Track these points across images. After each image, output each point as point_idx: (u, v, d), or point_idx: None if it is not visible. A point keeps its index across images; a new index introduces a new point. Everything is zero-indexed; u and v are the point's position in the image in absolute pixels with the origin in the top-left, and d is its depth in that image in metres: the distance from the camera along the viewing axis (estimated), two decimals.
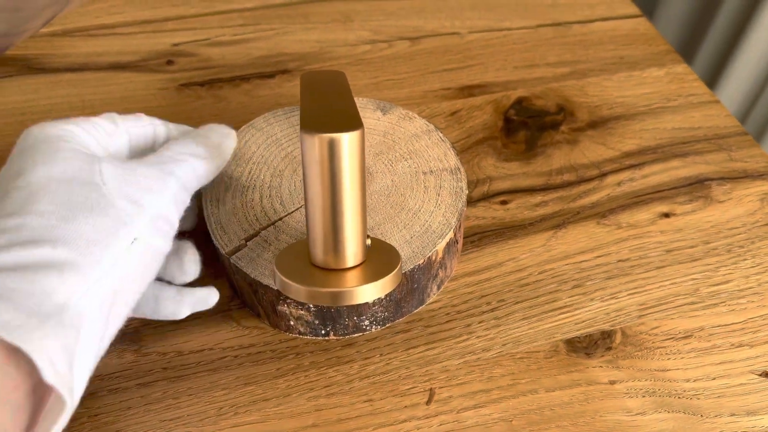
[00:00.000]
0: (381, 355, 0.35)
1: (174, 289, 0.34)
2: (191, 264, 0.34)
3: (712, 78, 0.90)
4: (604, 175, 0.44)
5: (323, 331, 0.35)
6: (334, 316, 0.34)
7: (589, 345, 0.36)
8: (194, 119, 0.47)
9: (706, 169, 0.45)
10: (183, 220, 0.36)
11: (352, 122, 0.28)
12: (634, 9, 0.57)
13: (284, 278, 0.29)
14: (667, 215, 0.42)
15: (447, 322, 0.37)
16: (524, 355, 0.35)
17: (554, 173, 0.44)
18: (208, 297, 0.34)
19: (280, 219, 0.35)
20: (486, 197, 0.43)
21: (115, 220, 0.28)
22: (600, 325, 0.37)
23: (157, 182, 0.30)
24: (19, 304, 0.24)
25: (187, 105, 0.48)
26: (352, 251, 0.29)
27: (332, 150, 0.27)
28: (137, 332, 0.36)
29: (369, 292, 0.28)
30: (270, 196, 0.36)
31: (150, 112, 0.47)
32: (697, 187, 0.44)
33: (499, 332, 0.36)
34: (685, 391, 0.34)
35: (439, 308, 0.37)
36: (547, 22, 0.55)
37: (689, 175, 0.44)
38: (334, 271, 0.30)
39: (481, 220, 0.41)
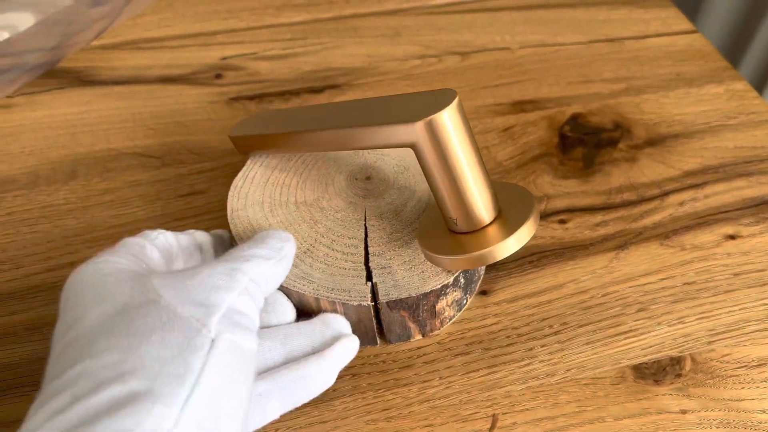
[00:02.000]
0: (440, 378, 0.34)
1: (313, 359, 0.31)
2: (353, 341, 0.32)
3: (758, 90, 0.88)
4: (665, 194, 0.43)
5: (465, 302, 0.37)
6: (472, 277, 0.35)
7: (657, 371, 0.34)
8: None
9: None
10: (281, 313, 0.33)
11: (443, 95, 0.28)
12: (689, 25, 0.56)
13: (447, 257, 0.30)
14: (732, 237, 0.40)
15: (508, 345, 0.35)
16: (590, 381, 0.34)
17: (614, 192, 0.43)
18: (350, 346, 0.32)
19: (364, 243, 0.34)
20: (544, 216, 0.41)
21: (184, 330, 0.24)
22: (668, 350, 0.35)
23: (223, 278, 0.27)
24: None
25: (238, 119, 0.48)
26: (488, 208, 0.30)
27: (439, 128, 0.28)
28: None
29: (518, 239, 0.29)
30: (324, 240, 0.34)
31: (201, 125, 0.47)
32: (763, 208, 0.42)
33: (563, 357, 0.35)
34: (761, 423, 0.33)
35: (500, 330, 0.36)
36: (601, 38, 0.54)
37: (755, 195, 0.43)
38: (476, 232, 0.31)
39: (540, 240, 0.40)
